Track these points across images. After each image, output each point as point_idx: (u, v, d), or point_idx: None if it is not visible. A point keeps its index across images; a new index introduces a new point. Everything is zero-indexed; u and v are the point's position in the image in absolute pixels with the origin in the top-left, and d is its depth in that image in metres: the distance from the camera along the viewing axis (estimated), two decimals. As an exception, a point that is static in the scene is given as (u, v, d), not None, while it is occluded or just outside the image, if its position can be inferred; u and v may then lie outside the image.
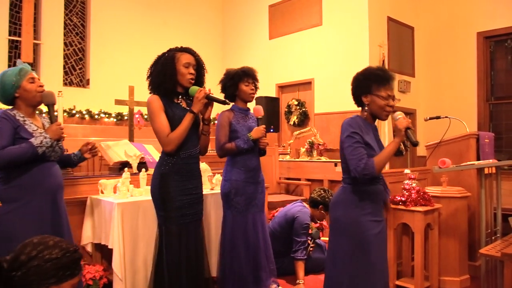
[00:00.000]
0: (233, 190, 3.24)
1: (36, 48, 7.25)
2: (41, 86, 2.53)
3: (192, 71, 2.70)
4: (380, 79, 2.36)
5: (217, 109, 3.42)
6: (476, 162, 3.83)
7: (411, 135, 2.33)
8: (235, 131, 3.27)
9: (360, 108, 2.51)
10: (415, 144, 2.34)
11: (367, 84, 2.37)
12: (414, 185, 3.66)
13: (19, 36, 7.05)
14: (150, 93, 2.73)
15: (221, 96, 3.13)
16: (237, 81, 3.31)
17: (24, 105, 2.52)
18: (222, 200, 3.35)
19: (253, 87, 3.35)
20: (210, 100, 2.68)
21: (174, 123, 2.61)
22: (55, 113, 2.70)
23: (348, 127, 2.34)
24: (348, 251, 2.33)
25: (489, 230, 3.79)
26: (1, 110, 2.48)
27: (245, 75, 3.31)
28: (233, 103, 3.40)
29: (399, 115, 2.38)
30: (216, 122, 3.40)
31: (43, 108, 2.65)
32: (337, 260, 2.38)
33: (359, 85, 2.42)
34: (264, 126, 3.27)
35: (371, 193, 2.39)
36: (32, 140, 2.38)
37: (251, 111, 3.42)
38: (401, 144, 2.43)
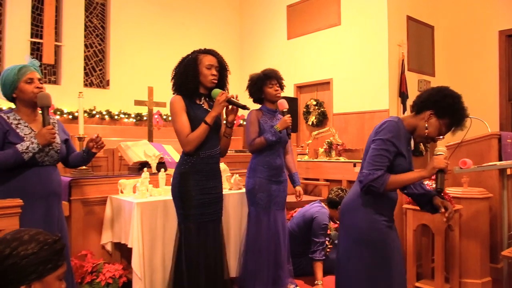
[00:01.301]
0: (257, 187, 3.33)
1: (57, 49, 7.37)
2: (39, 87, 2.41)
3: (214, 72, 2.72)
4: (459, 122, 2.21)
5: (254, 107, 3.49)
6: (498, 163, 3.76)
7: (440, 180, 2.21)
8: (263, 129, 3.36)
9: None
10: (439, 190, 2.25)
11: (447, 113, 2.18)
12: (433, 185, 3.61)
13: (41, 38, 7.19)
14: (173, 93, 2.76)
15: (248, 102, 3.20)
16: (261, 85, 3.43)
17: (22, 106, 2.43)
18: (246, 196, 3.44)
19: (277, 88, 3.46)
20: (230, 104, 2.70)
21: (195, 124, 2.63)
22: (54, 120, 2.59)
23: (387, 132, 2.17)
24: (368, 258, 2.20)
25: (511, 232, 3.72)
26: None
27: (267, 78, 3.42)
28: (262, 105, 3.52)
29: (440, 152, 2.20)
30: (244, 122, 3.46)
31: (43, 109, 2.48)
32: (355, 268, 2.24)
33: (441, 105, 2.18)
34: (289, 115, 3.30)
35: (389, 199, 2.29)
36: (18, 146, 2.27)
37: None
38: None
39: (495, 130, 4.74)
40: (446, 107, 2.17)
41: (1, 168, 2.27)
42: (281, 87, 3.51)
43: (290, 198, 3.82)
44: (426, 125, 2.20)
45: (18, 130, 2.36)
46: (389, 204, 2.29)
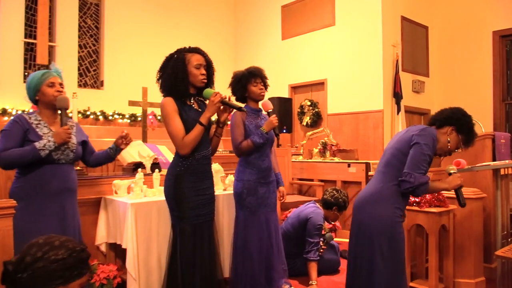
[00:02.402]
0: (245, 190, 3.25)
1: (51, 50, 7.36)
2: (59, 91, 2.57)
3: (203, 71, 2.70)
4: (470, 140, 2.53)
5: None
6: (491, 163, 3.78)
7: (461, 195, 2.51)
8: (248, 131, 3.27)
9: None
10: (463, 205, 2.52)
11: (464, 130, 2.51)
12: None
13: (35, 38, 7.17)
14: (162, 95, 2.73)
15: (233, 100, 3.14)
16: (245, 83, 3.31)
17: (44, 108, 2.59)
18: (234, 200, 3.36)
19: (262, 86, 3.34)
20: (224, 105, 2.67)
21: (188, 126, 2.61)
22: (73, 122, 2.76)
23: (431, 139, 2.40)
24: (386, 250, 2.38)
25: (505, 232, 3.74)
26: (18, 113, 2.56)
27: (252, 76, 3.30)
28: (245, 104, 3.40)
29: (453, 169, 2.58)
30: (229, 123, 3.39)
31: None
32: (374, 259, 2.40)
33: (460, 123, 2.52)
34: (274, 115, 3.23)
35: (408, 196, 2.50)
36: (36, 143, 2.42)
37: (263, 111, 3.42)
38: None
39: (489, 131, 4.78)
40: (465, 124, 2.50)
41: (20, 163, 2.42)
42: (265, 86, 3.39)
43: (289, 199, 3.82)
44: (449, 139, 2.49)
45: (37, 130, 2.50)
46: (406, 200, 2.51)
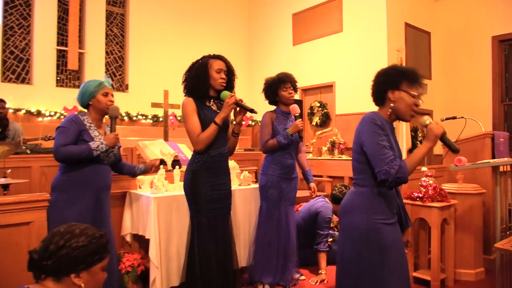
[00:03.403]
0: (269, 183, 3.35)
1: (81, 56, 7.43)
2: (111, 101, 2.71)
3: (223, 76, 2.72)
4: (413, 77, 2.05)
5: (263, 110, 3.49)
6: (491, 160, 3.72)
7: (449, 142, 2.04)
8: (276, 131, 3.36)
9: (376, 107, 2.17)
10: (456, 150, 2.03)
11: (398, 79, 2.03)
12: (431, 182, 3.59)
13: (66, 46, 7.25)
14: (185, 96, 2.76)
15: (262, 104, 3.21)
16: (276, 89, 3.41)
17: (94, 113, 2.70)
18: (259, 192, 3.45)
19: (291, 91, 3.43)
20: (238, 107, 2.68)
21: (205, 124, 2.63)
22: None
23: (372, 124, 1.99)
24: (367, 258, 2.02)
25: (504, 226, 3.68)
26: (74, 114, 2.67)
27: (282, 82, 3.40)
28: (276, 107, 3.50)
29: (428, 119, 2.06)
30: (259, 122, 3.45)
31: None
32: (355, 267, 2.05)
33: (388, 79, 2.06)
34: (300, 119, 3.29)
35: (388, 197, 2.07)
36: (91, 143, 2.55)
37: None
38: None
39: (488, 130, 4.70)
40: (395, 77, 2.04)
41: (75, 159, 2.52)
42: (295, 89, 3.48)
43: (299, 193, 3.83)
44: (400, 103, 2.04)
45: (90, 131, 2.63)
46: (386, 202, 2.07)
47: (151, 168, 3.01)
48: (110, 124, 2.75)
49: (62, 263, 1.43)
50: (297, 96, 8.12)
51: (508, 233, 3.69)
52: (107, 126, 2.81)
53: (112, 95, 2.75)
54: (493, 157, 4.06)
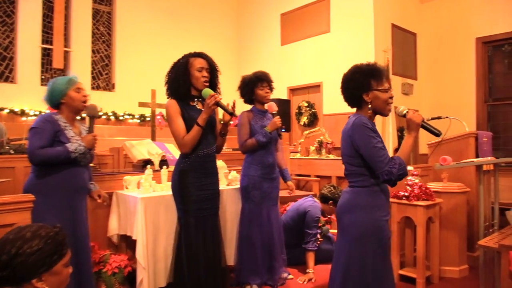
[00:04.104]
0: (251, 185, 3.32)
1: (66, 55, 7.35)
2: (85, 96, 2.60)
3: (205, 74, 2.69)
4: (378, 73, 2.14)
5: (238, 110, 3.45)
6: (475, 160, 3.78)
7: (430, 127, 2.10)
8: (254, 130, 3.33)
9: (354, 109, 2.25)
10: (439, 134, 2.09)
11: (367, 80, 2.12)
12: (416, 181, 3.64)
13: (51, 44, 7.16)
14: (168, 97, 2.73)
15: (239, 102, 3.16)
16: (252, 87, 3.38)
17: (68, 111, 2.57)
18: (240, 193, 3.42)
19: (267, 90, 3.40)
20: (218, 107, 2.64)
21: (190, 125, 2.61)
22: (86, 128, 2.72)
23: (365, 128, 2.05)
24: (376, 254, 2.09)
25: (487, 223, 3.74)
26: (47, 113, 2.56)
27: (259, 80, 3.36)
28: (253, 106, 3.47)
29: (405, 109, 2.16)
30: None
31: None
32: (357, 263, 2.10)
33: (358, 84, 2.14)
34: (278, 117, 3.29)
35: (386, 194, 2.19)
36: (68, 145, 2.45)
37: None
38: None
39: (472, 130, 4.77)
40: (364, 80, 2.11)
41: (52, 162, 2.43)
42: (271, 89, 3.46)
43: (283, 193, 3.83)
44: (376, 101, 2.13)
45: (66, 132, 2.51)
46: (385, 198, 2.18)
47: (95, 197, 2.75)
48: (88, 124, 2.65)
49: (19, 271, 1.34)
50: (285, 96, 8.16)
51: (491, 230, 3.75)
52: (81, 125, 2.70)
53: (85, 90, 2.63)
54: (477, 156, 4.12)
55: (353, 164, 2.13)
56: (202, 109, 2.69)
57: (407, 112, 2.14)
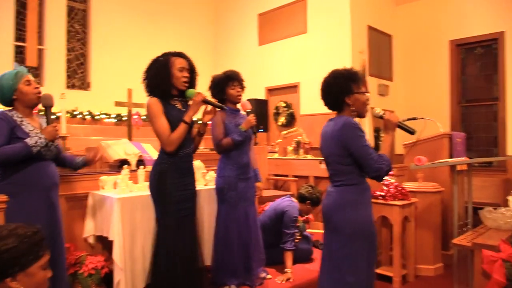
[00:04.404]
0: (226, 186, 3.28)
1: (40, 53, 7.17)
2: (37, 88, 2.47)
3: (186, 74, 2.67)
4: (356, 77, 2.30)
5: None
6: (449, 160, 3.87)
7: (405, 126, 2.28)
8: (228, 130, 3.29)
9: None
10: (413, 133, 2.29)
11: (349, 84, 2.27)
12: (392, 181, 3.70)
13: (24, 41, 6.98)
14: (147, 95, 2.70)
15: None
16: (223, 87, 3.33)
17: (22, 106, 2.45)
18: (216, 194, 3.37)
19: (239, 89, 3.36)
20: (206, 104, 2.65)
21: (172, 124, 2.59)
22: (52, 116, 2.61)
23: (355, 129, 2.18)
24: (364, 251, 2.19)
25: (461, 222, 3.83)
26: (0, 111, 2.43)
27: (229, 80, 3.33)
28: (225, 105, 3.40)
29: (381, 111, 2.31)
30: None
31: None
32: (355, 262, 2.18)
33: (341, 88, 2.28)
34: (252, 115, 3.27)
35: (369, 190, 2.30)
36: (27, 140, 2.33)
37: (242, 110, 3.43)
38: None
39: (446, 131, 4.87)
40: (346, 84, 2.27)
41: (13, 160, 2.31)
42: (242, 88, 3.41)
43: (265, 193, 3.82)
44: (356, 104, 2.28)
45: (23, 127, 2.39)
46: (369, 196, 2.31)
47: (92, 160, 2.79)
48: (45, 115, 2.50)
49: None
50: (262, 96, 8.17)
51: (465, 229, 3.84)
52: (41, 118, 2.57)
53: (35, 82, 2.50)
54: (451, 157, 4.21)
55: (342, 163, 2.22)
56: (182, 109, 2.68)
57: (383, 113, 2.27)
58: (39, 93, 2.47)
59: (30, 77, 2.48)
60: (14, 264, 1.35)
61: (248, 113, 3.28)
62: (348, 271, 2.18)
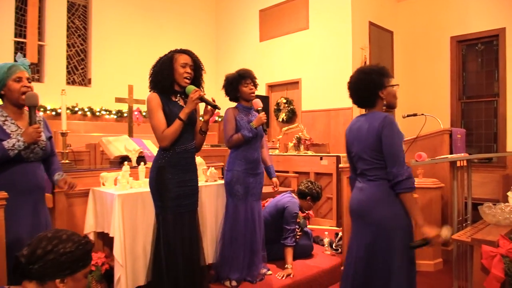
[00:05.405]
0: (234, 179, 3.35)
1: (40, 49, 7.16)
2: (27, 86, 2.29)
3: (188, 70, 2.68)
4: (387, 71, 2.39)
5: (225, 106, 3.43)
6: (449, 156, 3.86)
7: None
8: (240, 126, 3.36)
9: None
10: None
11: (382, 79, 2.35)
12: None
13: (24, 37, 6.97)
14: (150, 91, 2.71)
15: (224, 100, 3.23)
16: (237, 85, 3.43)
17: (9, 104, 2.30)
18: (225, 188, 3.45)
19: (252, 87, 3.46)
20: (202, 102, 2.65)
21: (171, 120, 2.60)
22: (40, 118, 2.47)
23: (396, 126, 2.23)
24: (404, 245, 2.24)
25: (461, 218, 3.83)
26: None
27: (242, 78, 3.42)
28: (238, 103, 3.51)
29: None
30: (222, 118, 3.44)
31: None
32: (397, 258, 2.22)
33: (376, 83, 2.34)
34: (263, 113, 3.33)
35: None
36: (5, 142, 2.16)
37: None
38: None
39: (446, 127, 4.87)
40: (380, 79, 2.34)
41: None
42: (255, 85, 3.51)
43: (265, 189, 3.84)
44: (389, 97, 2.37)
45: (5, 127, 2.24)
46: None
47: (62, 188, 2.57)
48: (29, 115, 2.26)
49: (49, 267, 1.44)
50: (263, 92, 8.16)
51: (464, 225, 3.84)
52: (36, 117, 2.34)
53: (28, 79, 2.31)
54: (451, 153, 4.21)
55: (379, 159, 2.25)
56: (184, 105, 2.68)
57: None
58: (25, 93, 2.28)
59: (25, 73, 2.32)
60: (68, 267, 1.48)
61: (259, 111, 3.34)
62: (393, 264, 2.21)
